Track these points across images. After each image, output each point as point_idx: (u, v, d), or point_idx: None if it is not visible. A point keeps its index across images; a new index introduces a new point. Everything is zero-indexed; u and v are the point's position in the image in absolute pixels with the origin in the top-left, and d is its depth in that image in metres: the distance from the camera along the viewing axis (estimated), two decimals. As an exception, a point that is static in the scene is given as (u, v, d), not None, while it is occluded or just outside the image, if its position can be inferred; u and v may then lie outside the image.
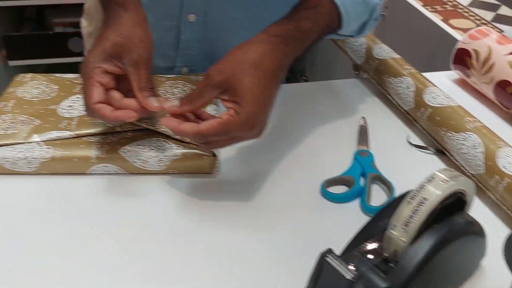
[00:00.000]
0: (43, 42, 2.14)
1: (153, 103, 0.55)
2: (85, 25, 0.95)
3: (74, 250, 0.52)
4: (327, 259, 0.41)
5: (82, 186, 0.60)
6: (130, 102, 0.56)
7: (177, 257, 0.51)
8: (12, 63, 2.15)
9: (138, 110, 0.56)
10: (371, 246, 0.44)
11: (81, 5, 2.56)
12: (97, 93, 0.55)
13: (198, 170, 0.62)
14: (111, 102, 0.56)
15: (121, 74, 0.57)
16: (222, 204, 0.58)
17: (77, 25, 2.34)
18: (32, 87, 0.71)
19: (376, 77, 0.79)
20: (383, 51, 0.80)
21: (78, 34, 2.14)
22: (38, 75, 0.74)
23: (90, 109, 0.55)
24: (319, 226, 0.56)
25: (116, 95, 0.57)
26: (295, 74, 1.02)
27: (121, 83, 0.58)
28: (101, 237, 0.53)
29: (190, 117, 0.57)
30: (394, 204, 0.47)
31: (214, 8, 0.75)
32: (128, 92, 0.57)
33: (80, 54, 2.19)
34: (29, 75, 0.74)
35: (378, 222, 0.46)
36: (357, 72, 1.62)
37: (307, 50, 0.61)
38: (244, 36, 0.78)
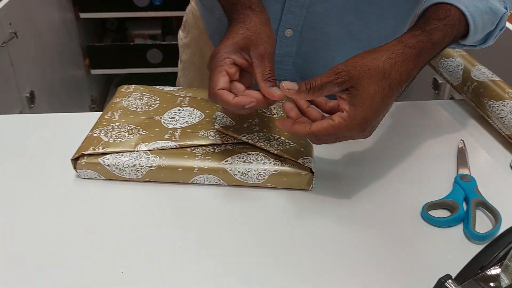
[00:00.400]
0: (123, 53, 2.24)
1: (276, 92, 0.57)
2: (182, 36, 0.99)
3: (177, 252, 0.53)
4: (447, 284, 0.40)
5: (184, 195, 0.62)
6: (252, 93, 0.58)
7: (275, 267, 0.52)
8: (94, 71, 2.26)
9: (260, 100, 0.58)
10: (488, 274, 0.43)
11: (159, 19, 2.66)
12: (223, 81, 0.57)
13: (295, 185, 0.63)
14: (234, 93, 0.58)
15: (247, 67, 0.60)
16: (317, 222, 0.59)
17: (155, 37, 2.45)
18: (135, 98, 0.75)
19: (475, 100, 0.77)
20: (482, 73, 0.78)
21: (157, 46, 2.24)
22: (140, 87, 0.78)
23: (213, 94, 0.57)
24: (421, 250, 0.55)
25: (239, 86, 0.59)
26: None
27: (243, 78, 0.61)
28: (200, 243, 0.55)
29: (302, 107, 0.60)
30: (510, 232, 0.46)
31: (310, 23, 0.76)
32: (247, 89, 0.60)
33: (158, 65, 2.27)
34: (132, 86, 0.78)
35: (494, 250, 0.45)
36: (437, 91, 1.59)
37: None
38: (337, 50, 0.79)
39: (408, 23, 0.78)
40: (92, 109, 2.32)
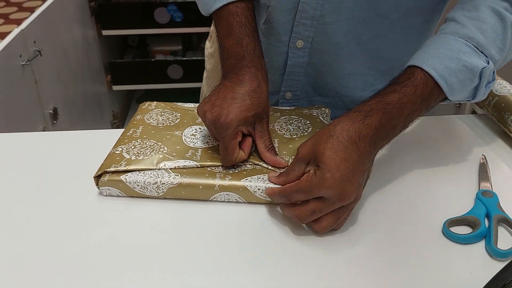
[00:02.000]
0: (144, 69, 2.27)
1: (281, 161, 0.66)
2: (208, 46, 1.03)
3: (198, 269, 0.54)
4: (469, 304, 0.40)
5: (205, 212, 0.62)
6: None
7: (296, 283, 0.52)
8: (115, 87, 2.29)
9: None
10: (511, 293, 0.43)
11: (180, 35, 2.68)
12: (237, 151, 0.65)
13: (315, 202, 0.63)
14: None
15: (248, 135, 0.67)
16: (338, 238, 0.59)
17: (176, 53, 2.48)
18: (157, 114, 0.76)
19: (496, 114, 0.77)
20: (504, 87, 0.78)
21: (177, 62, 2.27)
22: (161, 103, 0.79)
23: (230, 162, 0.65)
24: (442, 267, 0.55)
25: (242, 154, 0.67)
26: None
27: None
28: (221, 260, 0.55)
29: None
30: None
31: (321, 34, 0.77)
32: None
33: (178, 80, 2.30)
34: (154, 103, 0.79)
35: (517, 269, 0.44)
36: (457, 105, 1.57)
37: (418, 116, 0.62)
38: (347, 60, 0.80)
39: (420, 38, 0.78)
40: (113, 124, 2.36)
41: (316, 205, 0.57)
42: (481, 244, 0.57)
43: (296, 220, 0.59)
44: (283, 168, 0.65)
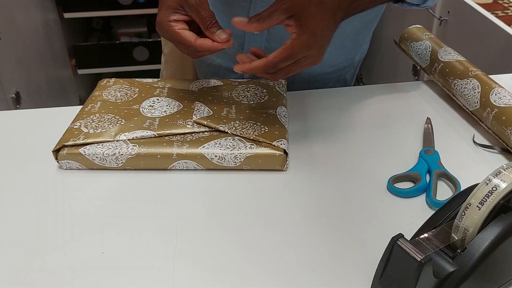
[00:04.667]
0: (110, 52, 2.25)
1: (221, 36, 0.64)
2: None
3: (156, 233, 0.57)
4: (398, 242, 0.43)
5: (164, 180, 0.65)
6: (205, 41, 0.65)
7: (251, 246, 0.55)
8: (81, 71, 2.28)
9: (210, 47, 0.65)
10: (438, 234, 0.46)
11: (145, 16, 2.66)
12: (188, 34, 0.65)
13: (270, 166, 0.66)
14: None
15: (189, 20, 0.66)
16: (292, 199, 0.62)
17: (141, 35, 2.46)
18: (115, 90, 0.77)
19: (441, 80, 0.81)
20: (448, 53, 0.82)
21: (143, 44, 2.26)
22: (120, 80, 0.80)
23: (195, 48, 0.65)
24: (387, 219, 0.59)
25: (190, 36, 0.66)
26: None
27: (192, 27, 0.67)
28: (179, 224, 0.58)
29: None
30: (461, 195, 0.49)
31: None
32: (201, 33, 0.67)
33: (144, 62, 2.30)
34: (112, 79, 0.81)
35: (445, 212, 0.48)
36: (416, 77, 1.62)
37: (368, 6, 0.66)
38: None
39: (374, 10, 0.81)
40: (80, 109, 2.34)
41: (291, 67, 0.61)
42: (422, 197, 0.61)
43: (269, 78, 0.63)
44: (226, 45, 0.65)
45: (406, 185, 0.63)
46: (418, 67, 0.89)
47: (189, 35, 0.65)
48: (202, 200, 0.62)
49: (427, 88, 0.85)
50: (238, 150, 0.65)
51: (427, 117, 0.75)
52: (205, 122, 0.69)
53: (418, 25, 0.92)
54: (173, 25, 0.66)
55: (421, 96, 0.83)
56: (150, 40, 2.28)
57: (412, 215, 0.59)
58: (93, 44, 2.27)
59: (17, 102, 1.55)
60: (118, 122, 0.69)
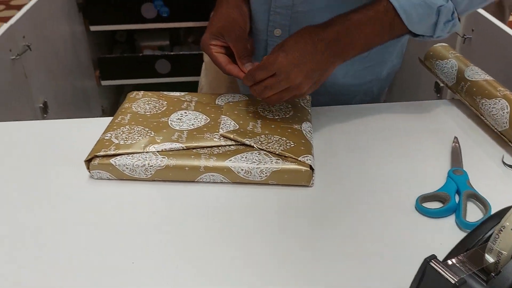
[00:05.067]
0: (133, 64, 2.28)
1: (248, 68, 0.75)
2: None
3: (185, 244, 0.57)
4: (432, 264, 0.43)
5: (191, 192, 0.65)
6: (234, 68, 0.77)
7: (277, 258, 0.55)
8: (104, 83, 2.31)
9: (241, 74, 0.75)
10: (471, 256, 0.46)
11: (167, 30, 2.70)
12: (222, 58, 0.77)
13: (296, 182, 0.66)
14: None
15: (226, 45, 0.78)
16: (317, 215, 0.62)
17: (163, 48, 2.49)
18: (144, 102, 0.79)
19: (468, 99, 0.81)
20: (475, 73, 0.81)
21: (165, 57, 2.29)
22: (148, 93, 0.82)
23: (225, 71, 0.77)
24: (415, 238, 0.58)
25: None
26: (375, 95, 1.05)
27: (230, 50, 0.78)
28: (206, 236, 0.58)
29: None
30: (494, 217, 0.49)
31: (297, 23, 0.81)
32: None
33: (166, 75, 2.32)
34: (141, 92, 0.82)
35: (478, 234, 0.48)
36: (438, 95, 1.61)
37: (381, 40, 0.72)
38: None
39: None
40: (103, 119, 2.37)
41: (269, 81, 0.68)
42: (452, 218, 0.61)
43: (255, 94, 0.71)
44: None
45: (434, 205, 0.63)
46: (442, 85, 0.88)
47: (222, 59, 0.77)
48: (228, 213, 0.62)
49: (453, 107, 0.85)
50: (264, 164, 0.66)
51: (455, 136, 0.75)
52: (232, 136, 0.70)
53: (443, 43, 0.92)
54: (212, 48, 0.77)
55: (447, 114, 0.83)
56: (172, 53, 2.30)
57: (441, 235, 0.58)
58: (116, 56, 2.30)
59: (44, 112, 1.57)
60: (148, 134, 0.70)
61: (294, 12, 0.80)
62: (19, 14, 1.49)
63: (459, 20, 0.73)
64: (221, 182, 0.67)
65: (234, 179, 0.66)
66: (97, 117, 2.37)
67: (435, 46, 0.91)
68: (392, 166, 0.70)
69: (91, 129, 0.77)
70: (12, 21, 1.43)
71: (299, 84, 0.68)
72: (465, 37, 1.42)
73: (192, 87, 1.27)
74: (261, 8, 0.82)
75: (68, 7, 1.95)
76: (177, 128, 0.72)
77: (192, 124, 0.73)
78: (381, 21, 0.70)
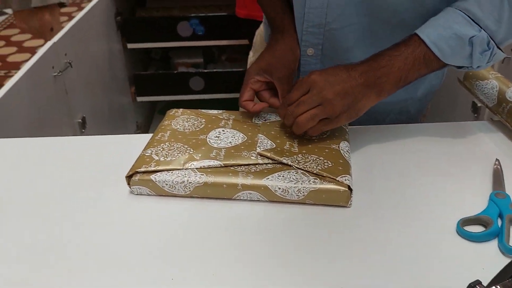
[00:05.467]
0: (167, 81, 2.33)
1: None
2: (251, 55, 1.11)
3: (222, 260, 0.57)
4: (477, 290, 0.42)
5: (228, 210, 0.66)
6: (275, 101, 0.81)
7: (313, 278, 0.55)
8: (140, 99, 2.35)
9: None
10: (519, 283, 0.45)
11: (201, 48, 2.74)
12: (247, 95, 0.81)
13: (334, 202, 0.66)
14: (261, 99, 0.82)
15: (269, 81, 0.81)
16: (355, 237, 0.62)
17: (197, 65, 2.53)
18: (183, 120, 0.80)
19: (509, 120, 0.79)
20: (517, 94, 0.80)
21: (199, 74, 2.32)
22: (187, 110, 0.83)
23: (240, 104, 0.80)
24: (457, 262, 0.57)
25: (265, 94, 0.82)
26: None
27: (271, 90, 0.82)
28: (243, 254, 0.59)
29: None
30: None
31: (329, 41, 0.82)
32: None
33: (200, 92, 2.35)
34: (180, 110, 0.83)
35: (525, 261, 0.47)
36: (476, 115, 1.59)
37: (418, 73, 0.71)
38: None
39: None
40: (137, 134, 2.41)
41: (302, 97, 0.70)
42: (494, 242, 0.60)
43: (288, 123, 0.72)
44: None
45: (476, 228, 0.62)
46: (479, 105, 0.87)
47: (247, 105, 0.80)
48: (265, 231, 0.62)
49: (494, 128, 0.84)
50: (301, 183, 0.66)
51: (496, 159, 0.74)
52: (269, 154, 0.70)
53: (483, 64, 0.90)
54: (251, 82, 0.81)
55: (487, 136, 0.82)
56: (205, 70, 2.34)
57: (483, 260, 0.57)
58: (152, 73, 2.35)
59: (83, 127, 1.61)
60: (187, 151, 0.71)
61: (326, 30, 0.81)
62: (61, 32, 1.55)
63: (500, 49, 0.72)
64: (257, 200, 0.67)
65: (271, 197, 0.67)
66: (132, 131, 2.43)
67: (474, 67, 0.89)
68: (432, 188, 0.69)
69: (127, 145, 0.79)
70: (55, 39, 1.49)
71: (331, 100, 0.69)
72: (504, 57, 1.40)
73: (225, 104, 1.29)
74: (296, 28, 0.83)
75: (107, 26, 2.00)
76: (215, 145, 0.73)
77: (230, 142, 0.74)
78: (413, 55, 0.70)
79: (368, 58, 0.73)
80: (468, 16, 0.70)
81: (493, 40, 0.70)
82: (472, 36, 0.69)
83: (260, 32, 1.08)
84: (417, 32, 0.71)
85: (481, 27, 0.69)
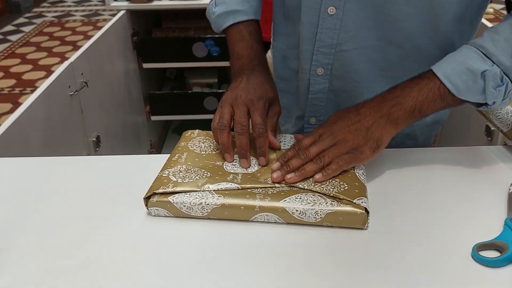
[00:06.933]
0: (182, 100, 2.35)
1: (276, 143, 0.78)
2: (270, 55, 1.10)
3: (238, 282, 0.58)
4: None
5: (246, 231, 0.67)
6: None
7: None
8: (154, 118, 2.38)
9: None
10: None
11: (216, 68, 2.78)
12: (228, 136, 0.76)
13: (350, 224, 0.67)
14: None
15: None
16: (371, 260, 0.62)
17: (212, 85, 2.56)
18: (199, 141, 0.81)
19: (524, 145, 0.80)
20: (532, 120, 0.81)
21: (213, 94, 2.34)
22: (203, 132, 0.85)
23: (213, 127, 0.78)
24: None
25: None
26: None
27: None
28: (260, 276, 0.59)
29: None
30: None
31: (340, 62, 0.84)
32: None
33: (214, 111, 2.38)
34: (196, 131, 0.85)
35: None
36: (489, 138, 1.59)
37: (433, 106, 0.73)
38: (367, 87, 0.85)
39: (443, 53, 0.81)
40: (150, 153, 2.43)
41: (326, 144, 0.72)
42: (509, 268, 0.60)
43: (322, 175, 0.71)
44: (276, 148, 0.79)
45: (491, 253, 0.62)
46: (493, 128, 0.88)
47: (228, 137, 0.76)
48: (282, 254, 0.63)
49: (508, 153, 0.84)
50: (319, 206, 0.67)
51: (511, 184, 0.74)
52: (285, 180, 0.71)
53: (498, 89, 0.91)
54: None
55: (502, 161, 0.82)
56: (220, 91, 2.36)
57: (498, 285, 0.57)
58: (166, 93, 2.38)
59: (97, 146, 1.64)
60: (204, 174, 0.72)
61: (338, 51, 0.83)
62: (78, 52, 1.58)
63: None
64: (275, 222, 0.68)
65: (288, 219, 0.67)
66: (145, 150, 2.45)
67: (488, 91, 0.90)
68: (446, 212, 0.70)
69: (143, 165, 0.80)
70: (72, 59, 1.52)
71: (343, 138, 0.72)
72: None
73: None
74: (305, 48, 0.85)
75: (123, 45, 2.04)
76: (232, 171, 0.74)
77: (246, 169, 0.75)
78: (427, 87, 0.72)
79: (383, 91, 0.75)
80: (481, 51, 0.71)
81: (507, 76, 0.70)
82: (484, 71, 0.70)
83: (267, 58, 1.09)
84: (432, 67, 0.73)
85: (494, 63, 0.70)
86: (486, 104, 0.73)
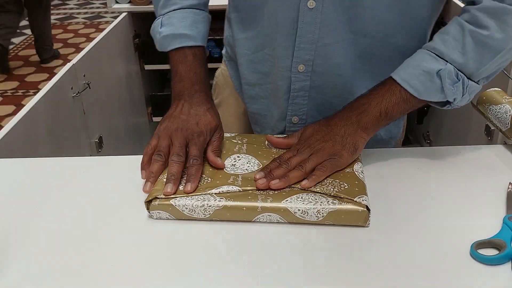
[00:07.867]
0: (183, 101, 2.35)
1: (218, 161, 0.76)
2: (214, 98, 1.08)
3: (240, 282, 0.59)
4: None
5: (248, 232, 0.68)
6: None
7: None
8: (156, 119, 2.39)
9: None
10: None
11: (216, 69, 2.79)
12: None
13: (352, 222, 0.68)
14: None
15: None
16: (373, 257, 0.63)
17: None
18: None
19: (523, 145, 0.80)
20: (530, 119, 0.81)
21: (214, 95, 2.34)
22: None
23: (145, 153, 0.77)
24: (470, 285, 0.58)
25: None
26: (418, 137, 1.06)
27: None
28: (262, 275, 0.60)
29: None
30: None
31: (320, 57, 0.84)
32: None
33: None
34: None
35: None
36: (489, 137, 1.60)
37: (397, 109, 0.76)
38: (349, 80, 0.86)
39: (409, 53, 0.81)
40: (152, 154, 2.44)
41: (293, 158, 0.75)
42: (507, 266, 0.61)
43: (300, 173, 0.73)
44: (219, 168, 0.76)
45: (490, 251, 0.63)
46: (492, 128, 0.88)
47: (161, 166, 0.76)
48: (284, 253, 0.64)
49: (507, 152, 0.85)
50: (320, 205, 0.67)
51: (510, 182, 0.75)
52: None
53: (496, 88, 0.92)
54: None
55: (501, 160, 0.83)
56: (221, 91, 2.36)
57: (497, 283, 0.58)
58: (168, 94, 2.38)
59: (100, 147, 1.65)
60: (205, 180, 0.73)
61: (319, 46, 0.82)
62: (81, 54, 1.59)
63: (474, 81, 0.75)
64: (277, 222, 0.69)
65: (290, 219, 0.68)
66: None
67: (488, 91, 0.91)
68: (445, 210, 0.71)
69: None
70: (74, 60, 1.52)
71: (320, 147, 0.75)
72: (517, 80, 1.41)
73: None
74: (284, 45, 0.84)
75: (125, 48, 2.05)
76: (232, 172, 0.75)
77: (246, 169, 0.76)
78: (389, 92, 0.76)
79: (352, 101, 0.79)
80: (434, 53, 0.75)
81: (462, 72, 0.74)
82: (439, 70, 0.74)
83: (222, 72, 1.07)
84: (391, 74, 0.77)
85: (447, 61, 0.74)
86: (448, 102, 0.76)
